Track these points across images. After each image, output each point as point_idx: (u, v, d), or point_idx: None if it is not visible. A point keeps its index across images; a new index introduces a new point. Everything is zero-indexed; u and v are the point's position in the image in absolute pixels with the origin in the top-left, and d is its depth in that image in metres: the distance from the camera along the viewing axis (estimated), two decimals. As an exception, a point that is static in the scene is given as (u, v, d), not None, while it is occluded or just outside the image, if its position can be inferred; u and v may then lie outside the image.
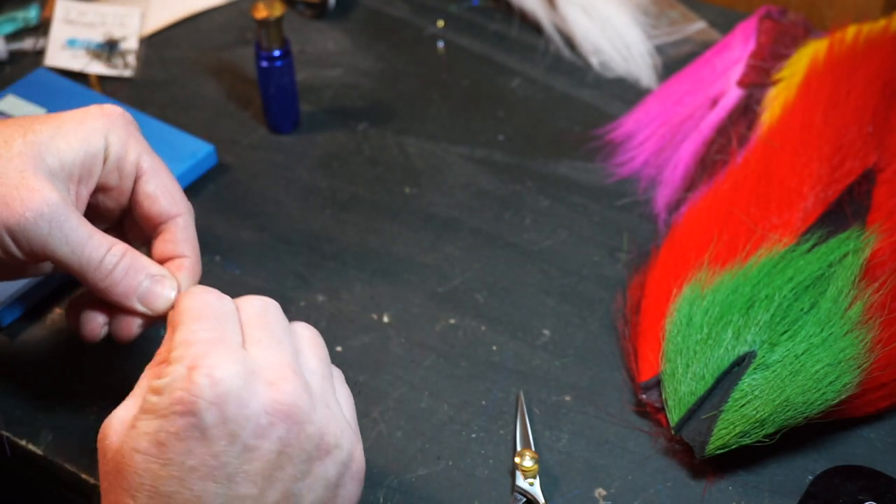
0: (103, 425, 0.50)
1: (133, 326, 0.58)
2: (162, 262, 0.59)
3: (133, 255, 0.57)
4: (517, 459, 0.61)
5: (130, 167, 0.58)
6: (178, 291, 0.57)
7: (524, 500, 0.61)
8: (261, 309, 0.52)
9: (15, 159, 0.54)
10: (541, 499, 0.60)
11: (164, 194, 0.59)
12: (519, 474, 0.61)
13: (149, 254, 0.59)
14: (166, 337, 0.52)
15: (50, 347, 0.69)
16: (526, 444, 0.63)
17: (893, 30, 0.84)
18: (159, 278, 0.57)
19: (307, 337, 0.53)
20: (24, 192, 0.53)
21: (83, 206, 0.57)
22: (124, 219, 0.61)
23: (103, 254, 0.55)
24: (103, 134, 0.57)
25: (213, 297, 0.52)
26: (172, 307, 0.55)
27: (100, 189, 0.58)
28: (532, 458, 0.61)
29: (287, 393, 0.48)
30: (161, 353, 0.52)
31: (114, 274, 0.56)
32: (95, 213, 0.60)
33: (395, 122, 0.87)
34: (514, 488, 0.61)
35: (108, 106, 0.58)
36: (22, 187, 0.53)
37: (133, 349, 0.69)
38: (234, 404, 0.47)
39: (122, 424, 0.49)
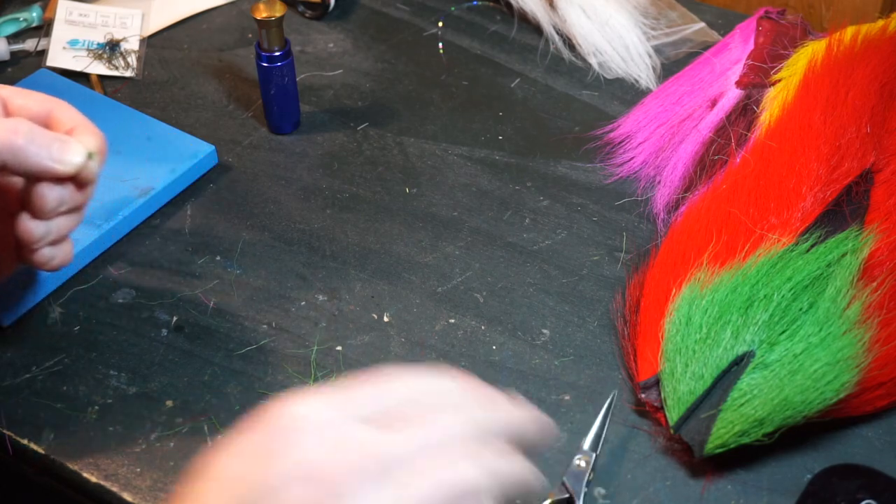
0: None
1: (48, 198, 0.61)
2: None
3: (33, 125, 0.61)
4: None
5: None
6: (85, 148, 0.62)
7: (567, 495, 0.61)
8: None
9: None
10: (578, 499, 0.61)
11: (29, 99, 0.64)
12: (572, 469, 0.62)
13: None
14: None
15: (50, 347, 0.69)
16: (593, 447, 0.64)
17: (891, 31, 0.84)
18: (65, 139, 0.62)
19: None
20: None
21: None
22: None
23: (5, 123, 0.60)
24: None
25: None
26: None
27: None
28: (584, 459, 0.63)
29: None
30: None
31: (25, 137, 0.60)
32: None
33: (395, 122, 0.87)
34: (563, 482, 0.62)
35: None
36: None
37: (131, 350, 0.69)
38: None
39: None
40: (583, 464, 0.62)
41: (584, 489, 0.61)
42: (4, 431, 0.65)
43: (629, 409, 0.66)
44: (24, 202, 0.62)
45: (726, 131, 0.80)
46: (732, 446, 0.61)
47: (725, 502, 0.62)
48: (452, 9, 0.99)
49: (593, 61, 0.92)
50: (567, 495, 0.61)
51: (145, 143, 0.82)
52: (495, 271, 0.75)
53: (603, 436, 0.64)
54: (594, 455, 0.62)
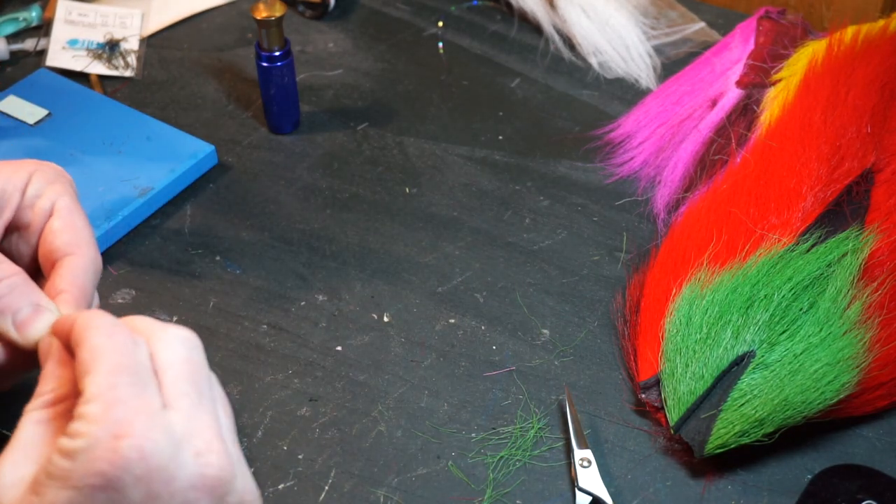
0: None
1: None
2: (51, 298, 0.54)
3: (25, 279, 0.53)
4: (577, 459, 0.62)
5: (46, 204, 0.56)
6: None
7: (590, 498, 0.61)
8: (184, 357, 0.47)
9: None
10: (608, 499, 0.61)
11: (68, 230, 0.55)
12: (581, 473, 0.62)
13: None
14: (51, 372, 0.48)
15: (51, 347, 0.69)
16: (581, 443, 0.63)
17: (892, 30, 0.84)
18: (42, 309, 0.52)
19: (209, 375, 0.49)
20: None
21: None
22: (39, 273, 0.57)
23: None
24: (29, 172, 0.56)
25: (127, 341, 0.46)
26: (42, 340, 0.51)
27: (14, 227, 0.56)
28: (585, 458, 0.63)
29: (214, 466, 0.44)
30: (53, 392, 0.47)
31: None
32: (9, 256, 0.56)
33: (395, 122, 0.87)
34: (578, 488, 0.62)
35: (49, 163, 0.57)
36: None
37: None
38: (162, 480, 0.43)
39: (15, 488, 0.43)
40: (586, 463, 0.62)
41: (604, 487, 0.61)
42: (4, 432, 0.65)
43: (629, 410, 0.66)
44: None
45: (726, 131, 0.80)
46: (732, 446, 0.61)
47: (725, 502, 0.62)
48: (452, 9, 0.99)
49: (593, 61, 0.92)
50: (591, 499, 0.61)
51: (145, 143, 0.82)
52: (495, 271, 0.75)
53: (584, 432, 0.64)
54: (589, 451, 0.62)
